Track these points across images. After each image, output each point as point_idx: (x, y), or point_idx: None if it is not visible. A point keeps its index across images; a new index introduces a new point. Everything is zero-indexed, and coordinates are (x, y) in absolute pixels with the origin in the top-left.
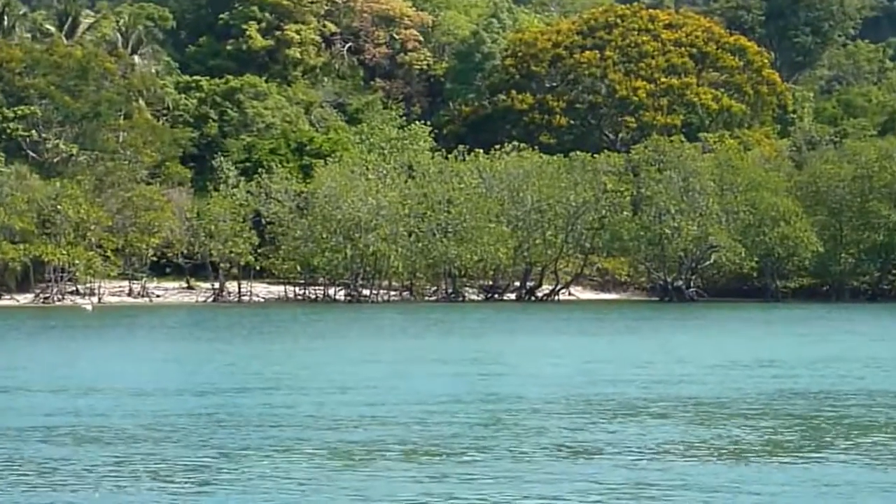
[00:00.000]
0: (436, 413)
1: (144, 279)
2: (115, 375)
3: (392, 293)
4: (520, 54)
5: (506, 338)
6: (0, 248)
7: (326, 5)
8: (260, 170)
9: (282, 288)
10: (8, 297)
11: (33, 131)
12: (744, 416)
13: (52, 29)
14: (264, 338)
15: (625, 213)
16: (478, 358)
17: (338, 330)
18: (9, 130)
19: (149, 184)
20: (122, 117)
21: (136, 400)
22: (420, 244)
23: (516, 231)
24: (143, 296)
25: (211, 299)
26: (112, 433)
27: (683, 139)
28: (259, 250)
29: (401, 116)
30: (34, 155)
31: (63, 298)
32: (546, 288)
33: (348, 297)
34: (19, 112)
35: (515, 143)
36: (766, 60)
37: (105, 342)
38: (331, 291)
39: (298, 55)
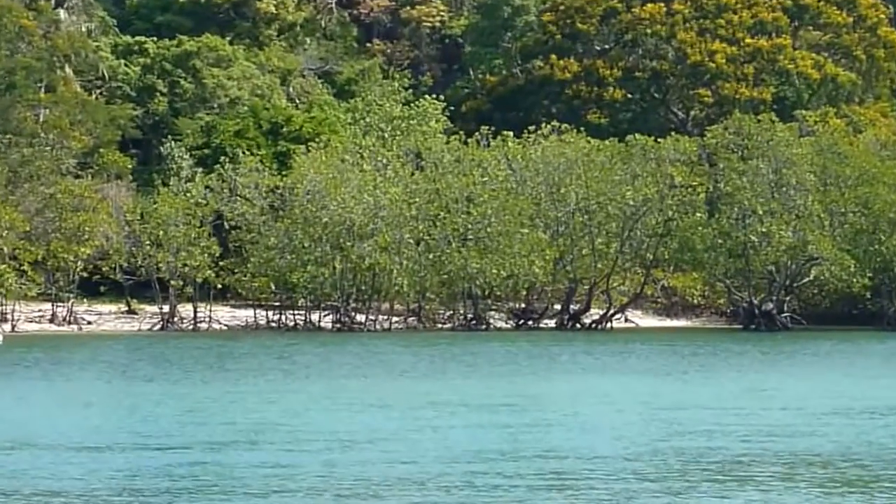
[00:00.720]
0: (482, 473)
1: (72, 301)
2: (33, 428)
3: (395, 319)
4: (561, 8)
5: (548, 377)
6: None
7: None
8: (223, 159)
9: (250, 312)
10: None
11: None
12: (891, 479)
13: None
14: (231, 377)
15: (698, 214)
16: (516, 403)
17: (327, 367)
18: None
19: (77, 177)
20: (42, 90)
21: (61, 459)
22: (431, 255)
23: (557, 238)
24: (70, 322)
25: (158, 327)
26: None
27: (775, 118)
28: (221, 263)
29: (406, 89)
30: None
31: None
32: (595, 312)
33: (337, 325)
34: None
35: (555, 123)
36: (882, 16)
37: (19, 383)
38: (315, 317)
39: (273, 9)
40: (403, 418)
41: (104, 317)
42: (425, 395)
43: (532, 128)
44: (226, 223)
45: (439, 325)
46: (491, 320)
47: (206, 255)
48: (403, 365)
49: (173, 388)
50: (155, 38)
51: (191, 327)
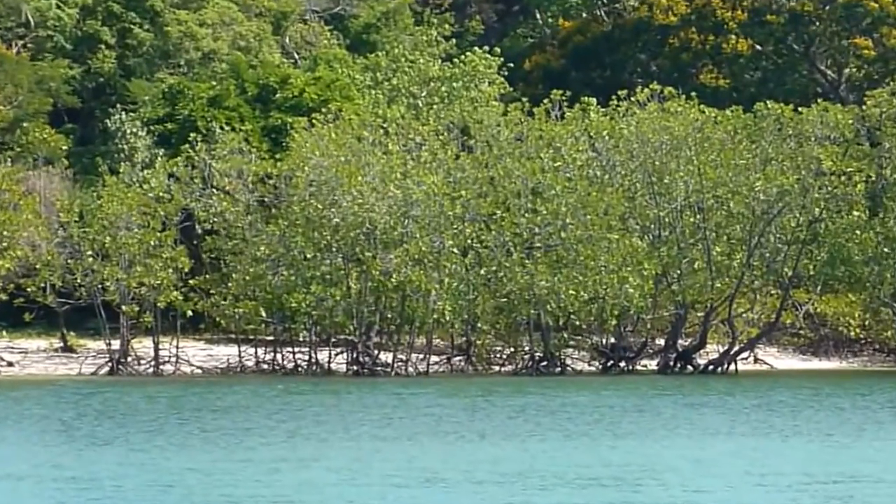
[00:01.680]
0: None
1: None
2: None
3: (434, 359)
4: None
5: (657, 440)
6: None
7: None
8: (192, 136)
9: (233, 350)
10: None
11: None
12: None
13: None
14: (213, 439)
15: (855, 213)
16: (620, 476)
17: (346, 423)
18: None
19: None
20: None
21: None
22: (483, 270)
23: (658, 247)
24: None
25: (106, 370)
26: None
27: None
28: (192, 282)
29: (447, 39)
30: None
31: None
32: (713, 350)
33: (354, 367)
34: None
35: (655, 86)
36: None
37: None
38: (322, 355)
39: None
40: (465, 496)
41: (31, 356)
42: (492, 465)
43: (623, 93)
44: (198, 226)
45: (496, 368)
46: (568, 361)
47: (170, 269)
48: (452, 422)
49: (134, 456)
50: None
51: (150, 370)
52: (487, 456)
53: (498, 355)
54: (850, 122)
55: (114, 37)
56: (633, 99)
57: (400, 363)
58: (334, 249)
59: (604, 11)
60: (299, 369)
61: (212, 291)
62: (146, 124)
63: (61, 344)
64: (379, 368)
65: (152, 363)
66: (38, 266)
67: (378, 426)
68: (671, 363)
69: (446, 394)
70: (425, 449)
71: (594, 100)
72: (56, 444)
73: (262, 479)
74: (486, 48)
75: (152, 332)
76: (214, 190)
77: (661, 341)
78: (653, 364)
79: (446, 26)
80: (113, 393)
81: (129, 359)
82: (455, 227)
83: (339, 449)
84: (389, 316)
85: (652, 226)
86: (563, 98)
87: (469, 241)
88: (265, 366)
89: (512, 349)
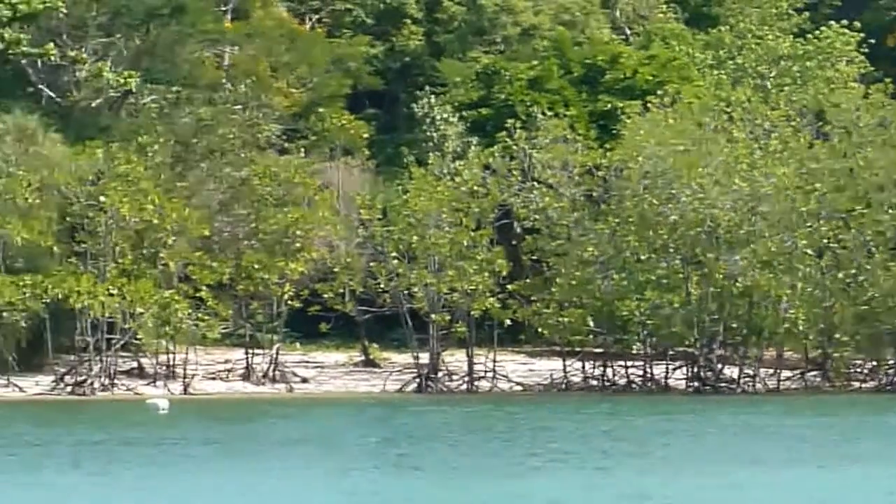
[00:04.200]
0: None
1: (277, 347)
2: None
3: (785, 374)
4: None
5: None
6: None
7: None
8: (510, 122)
9: (556, 364)
10: (2, 380)
11: None
12: None
13: None
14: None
15: None
16: None
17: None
18: None
19: (283, 151)
20: (228, 15)
21: None
22: (842, 274)
23: None
24: (274, 380)
25: (413, 387)
26: None
27: None
28: (510, 287)
29: (799, 12)
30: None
31: (110, 387)
32: None
33: (695, 383)
34: None
35: None
36: None
37: (194, 479)
38: (659, 370)
39: None
40: None
41: (327, 371)
42: None
43: None
44: (517, 224)
45: (856, 384)
46: None
47: (485, 273)
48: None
49: (452, 483)
50: None
51: (463, 386)
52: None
53: (858, 370)
54: None
55: (421, 11)
56: None
57: (747, 379)
58: (671, 250)
59: None
60: (633, 386)
61: (533, 298)
62: (458, 109)
63: (362, 357)
64: (723, 385)
65: (466, 379)
66: (335, 269)
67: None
68: None
69: (807, 414)
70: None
71: None
72: (365, 469)
73: None
74: (844, 22)
75: (465, 343)
76: (535, 183)
77: None
78: None
79: None
80: (422, 412)
81: (440, 374)
82: (809, 225)
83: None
84: (734, 325)
85: None
86: None
87: (825, 241)
88: (593, 382)
89: (874, 363)
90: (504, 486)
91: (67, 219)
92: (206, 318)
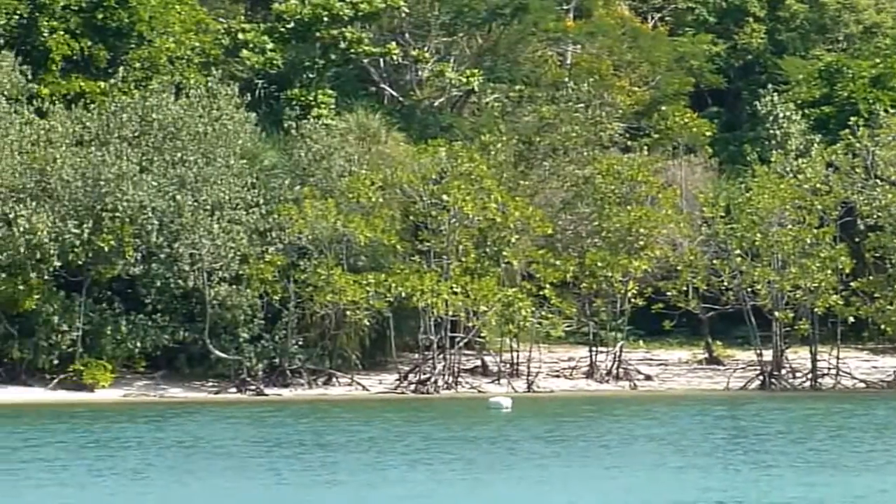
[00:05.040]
0: None
1: (620, 345)
2: None
3: None
4: None
5: None
6: (331, 280)
7: None
8: (853, 120)
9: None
10: (345, 378)
11: None
12: None
13: None
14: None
15: None
16: None
17: None
18: None
19: (626, 150)
20: (570, 14)
21: None
22: None
23: None
24: (617, 378)
25: (756, 384)
26: None
27: None
28: (853, 284)
29: None
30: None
31: (454, 385)
32: None
33: None
34: None
35: None
36: None
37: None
38: None
39: None
40: None
41: (671, 368)
42: None
43: None
44: (860, 221)
45: None
46: None
47: (828, 270)
48: None
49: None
50: None
51: (807, 384)
52: None
53: None
54: None
55: (763, 9)
56: None
57: None
58: None
59: None
60: None
61: (876, 295)
62: (800, 107)
63: (706, 355)
64: None
65: (809, 376)
66: (679, 267)
67: None
68: None
69: None
70: None
71: None
72: (724, 466)
73: None
74: None
75: (809, 340)
76: (878, 181)
77: None
78: None
79: None
80: (764, 409)
81: (783, 371)
82: None
83: None
84: None
85: None
86: None
87: None
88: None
89: None
90: (861, 482)
91: (410, 217)
92: (550, 315)
